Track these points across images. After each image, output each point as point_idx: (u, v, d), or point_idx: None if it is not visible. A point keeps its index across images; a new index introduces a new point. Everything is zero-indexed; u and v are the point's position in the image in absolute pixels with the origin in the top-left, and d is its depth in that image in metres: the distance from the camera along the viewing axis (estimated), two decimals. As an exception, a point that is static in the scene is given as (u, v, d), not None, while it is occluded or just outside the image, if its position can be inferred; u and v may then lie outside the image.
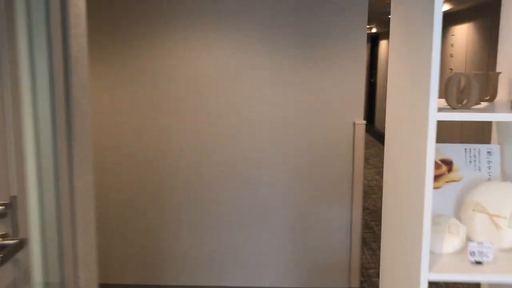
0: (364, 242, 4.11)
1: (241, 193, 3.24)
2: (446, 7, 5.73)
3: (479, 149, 1.48)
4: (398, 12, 1.57)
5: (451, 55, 6.10)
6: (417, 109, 1.25)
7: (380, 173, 6.16)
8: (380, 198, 4.84)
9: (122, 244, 3.32)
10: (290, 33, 3.09)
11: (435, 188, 1.44)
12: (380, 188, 5.23)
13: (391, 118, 1.62)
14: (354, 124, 3.14)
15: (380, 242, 1.92)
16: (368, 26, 3.22)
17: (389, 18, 1.71)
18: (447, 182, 1.49)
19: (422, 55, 1.24)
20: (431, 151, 1.14)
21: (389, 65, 1.67)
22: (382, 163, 1.82)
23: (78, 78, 1.51)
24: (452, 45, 6.09)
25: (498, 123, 1.56)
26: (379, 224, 4.37)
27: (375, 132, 9.93)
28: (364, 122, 3.13)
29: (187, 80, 3.15)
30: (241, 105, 3.16)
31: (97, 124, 3.17)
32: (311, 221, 3.25)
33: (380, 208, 4.54)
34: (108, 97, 3.18)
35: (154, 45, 3.13)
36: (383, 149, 1.75)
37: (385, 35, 9.75)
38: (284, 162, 3.20)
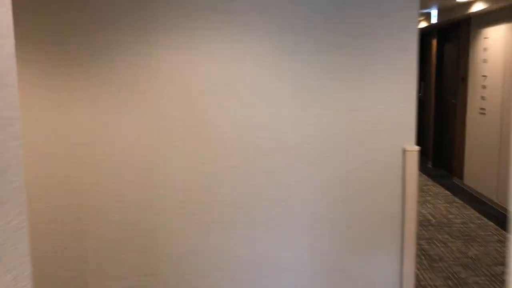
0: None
1: (255, 242, 2.53)
2: (480, 6, 5.06)
3: None
4: None
5: (485, 61, 5.41)
6: None
7: (432, 213, 5.44)
8: (435, 244, 4.25)
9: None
10: (316, 35, 2.41)
11: None
12: (433, 233, 4.55)
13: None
14: (403, 150, 2.43)
15: None
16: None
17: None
18: None
19: None
20: None
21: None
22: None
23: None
24: (485, 49, 5.41)
25: None
26: (443, 285, 3.51)
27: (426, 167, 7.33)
28: (417, 148, 2.43)
29: (184, 97, 2.46)
30: (256, 128, 2.46)
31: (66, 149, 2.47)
32: (344, 277, 2.53)
33: (441, 259, 3.78)
34: (86, 117, 2.49)
35: (140, 54, 2.44)
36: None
37: (441, 31, 7.09)
38: (309, 201, 2.50)
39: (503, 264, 3.73)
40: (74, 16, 2.40)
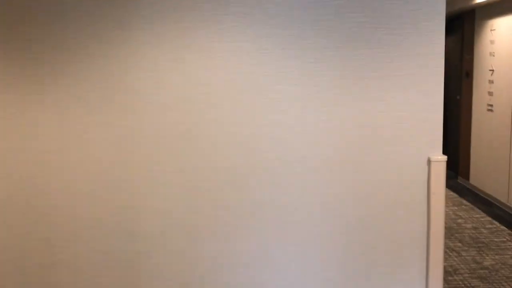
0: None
1: (255, 275, 2.18)
2: (488, -5, 4.74)
3: None
4: None
5: (491, 54, 5.10)
6: None
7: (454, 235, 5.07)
8: (447, 253, 3.64)
9: None
10: (325, 27, 2.05)
11: None
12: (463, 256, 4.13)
13: None
14: (429, 160, 2.10)
15: None
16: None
17: None
18: None
19: None
20: None
21: None
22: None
23: None
24: (492, 42, 5.10)
25: None
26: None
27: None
28: (445, 158, 2.09)
29: (170, 102, 2.10)
30: (255, 137, 2.11)
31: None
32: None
33: (456, 271, 3.36)
34: (53, 127, 2.11)
35: (116, 54, 2.07)
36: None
37: (476, 13, 5.49)
38: (319, 222, 2.15)
39: (524, 276, 3.42)
40: (37, 9, 2.02)
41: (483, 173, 5.33)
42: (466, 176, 5.74)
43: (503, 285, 3.30)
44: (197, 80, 2.08)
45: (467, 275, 3.48)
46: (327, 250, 2.16)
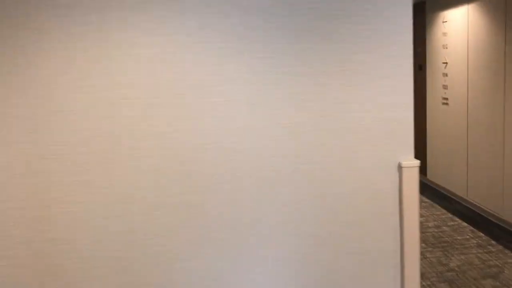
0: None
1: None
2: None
3: None
4: None
5: (444, 46, 5.00)
6: None
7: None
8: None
9: None
10: (284, 18, 1.73)
11: None
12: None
13: None
14: (399, 166, 1.82)
15: None
16: None
17: None
18: None
19: None
20: None
21: None
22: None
23: None
24: (444, 34, 5.00)
25: None
26: None
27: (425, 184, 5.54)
28: (417, 163, 1.82)
29: (90, 111, 1.70)
30: (201, 146, 1.75)
31: None
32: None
33: (423, 275, 3.02)
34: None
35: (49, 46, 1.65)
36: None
37: (426, 5, 5.37)
38: (277, 240, 1.83)
39: (491, 276, 3.27)
40: None
41: (440, 168, 5.24)
42: (423, 171, 5.64)
43: (471, 288, 3.13)
44: (118, 82, 1.69)
45: (434, 279, 3.29)
46: (287, 272, 1.85)
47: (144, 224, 1.76)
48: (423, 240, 3.95)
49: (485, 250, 3.69)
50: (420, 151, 5.71)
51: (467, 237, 3.98)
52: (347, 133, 1.80)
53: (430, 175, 5.49)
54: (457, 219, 4.41)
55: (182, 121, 1.73)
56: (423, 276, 3.33)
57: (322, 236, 1.85)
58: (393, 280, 1.85)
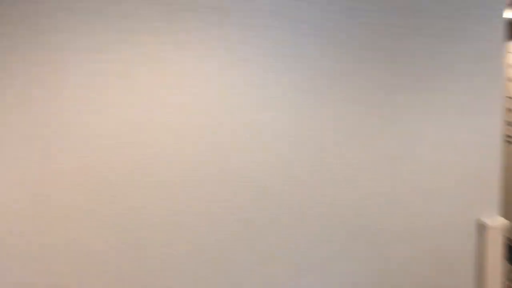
0: None
1: None
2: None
3: None
4: None
5: (510, 80, 4.56)
6: None
7: None
8: None
9: None
10: (329, 28, 1.46)
11: None
12: None
13: None
14: (480, 225, 1.48)
15: None
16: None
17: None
18: None
19: None
20: None
21: None
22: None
23: None
24: (511, 66, 4.56)
25: None
26: None
27: None
28: (504, 222, 1.48)
29: (132, 123, 1.47)
30: (226, 174, 1.48)
31: None
32: None
33: None
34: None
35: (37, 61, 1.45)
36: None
37: None
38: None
39: None
40: None
41: None
42: None
43: None
44: (145, 98, 1.46)
45: None
46: None
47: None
48: None
49: None
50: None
51: None
52: (411, 181, 1.48)
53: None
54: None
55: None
56: None
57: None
58: None
